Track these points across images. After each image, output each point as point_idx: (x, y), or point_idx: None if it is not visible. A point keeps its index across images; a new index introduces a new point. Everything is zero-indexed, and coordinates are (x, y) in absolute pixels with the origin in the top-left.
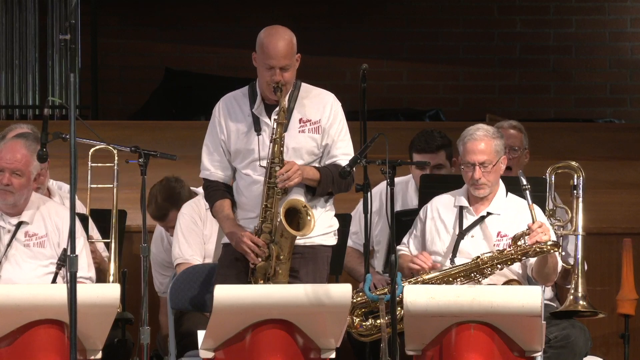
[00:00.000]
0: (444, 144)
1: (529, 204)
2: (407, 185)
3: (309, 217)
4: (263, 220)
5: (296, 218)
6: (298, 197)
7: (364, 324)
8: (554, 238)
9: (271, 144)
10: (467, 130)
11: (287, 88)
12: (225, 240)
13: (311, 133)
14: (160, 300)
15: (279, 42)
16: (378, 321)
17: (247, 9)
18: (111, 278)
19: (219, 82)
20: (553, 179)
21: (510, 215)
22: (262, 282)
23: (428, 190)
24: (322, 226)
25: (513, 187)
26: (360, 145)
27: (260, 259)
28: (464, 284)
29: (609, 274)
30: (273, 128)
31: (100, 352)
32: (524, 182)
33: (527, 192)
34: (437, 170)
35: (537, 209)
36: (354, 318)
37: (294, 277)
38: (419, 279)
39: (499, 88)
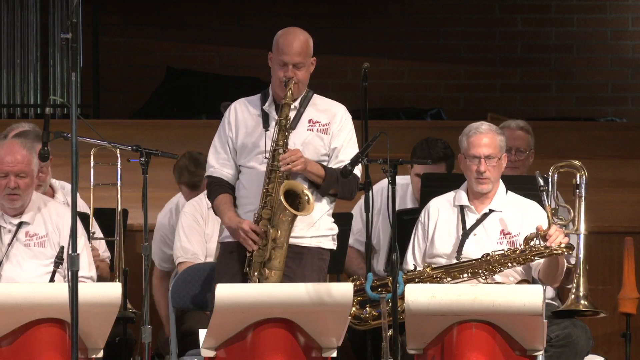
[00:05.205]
0: (446, 155)
1: (544, 205)
2: (406, 189)
3: (307, 199)
4: (263, 206)
5: (295, 202)
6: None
7: (361, 313)
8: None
9: (276, 126)
10: (471, 125)
11: (299, 87)
12: (223, 238)
13: (319, 133)
14: (156, 272)
15: (295, 40)
16: (375, 311)
17: (249, 8)
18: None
19: (220, 81)
20: (556, 177)
21: (512, 213)
22: (256, 273)
23: (429, 189)
24: (323, 227)
25: (514, 186)
26: (362, 144)
27: (257, 246)
28: (470, 279)
29: (610, 273)
30: (279, 110)
31: (102, 350)
32: (541, 182)
33: (544, 193)
34: None
35: (539, 208)
36: None
37: (290, 277)
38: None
39: (500, 87)
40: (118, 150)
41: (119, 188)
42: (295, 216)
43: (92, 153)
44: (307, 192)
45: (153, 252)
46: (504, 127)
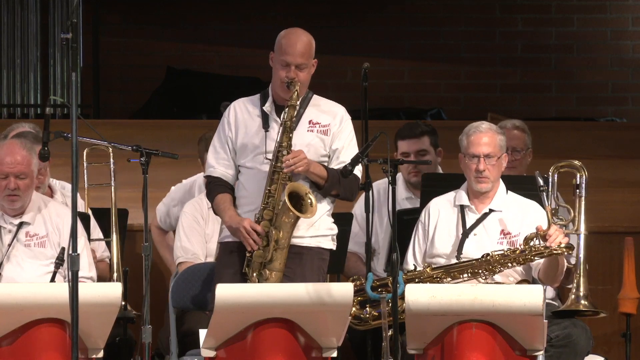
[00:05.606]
0: (427, 130)
1: (544, 205)
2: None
3: (310, 202)
4: (264, 207)
5: (298, 204)
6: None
7: (361, 313)
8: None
9: (281, 127)
10: (471, 125)
11: (300, 88)
12: (222, 238)
13: (319, 134)
14: (153, 229)
15: (298, 41)
16: (375, 311)
17: (249, 8)
18: (115, 275)
19: (220, 81)
20: (556, 177)
21: (512, 213)
22: (255, 274)
23: (429, 189)
24: (322, 227)
25: (514, 185)
26: (362, 144)
27: (257, 247)
28: (470, 279)
29: (610, 272)
30: (284, 112)
31: (102, 350)
32: (541, 182)
33: (544, 193)
34: (420, 156)
35: (539, 208)
36: None
37: (290, 277)
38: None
39: (500, 87)
40: (110, 149)
41: (113, 187)
42: (298, 218)
43: (84, 153)
44: (311, 195)
45: (158, 209)
46: (500, 127)
